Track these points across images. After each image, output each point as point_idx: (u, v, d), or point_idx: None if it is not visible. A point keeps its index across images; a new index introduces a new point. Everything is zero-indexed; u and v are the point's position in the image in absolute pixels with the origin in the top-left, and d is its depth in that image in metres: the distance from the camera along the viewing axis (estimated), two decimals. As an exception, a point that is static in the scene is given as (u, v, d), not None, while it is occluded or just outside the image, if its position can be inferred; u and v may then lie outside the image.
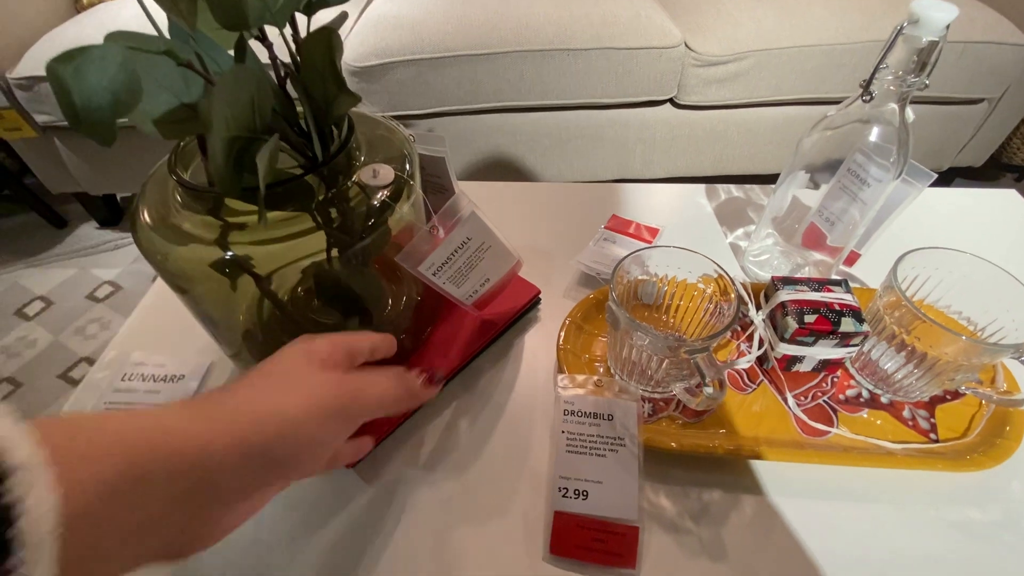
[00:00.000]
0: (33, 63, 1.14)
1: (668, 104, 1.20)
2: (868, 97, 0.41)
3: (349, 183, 0.34)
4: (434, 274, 0.37)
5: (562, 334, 0.46)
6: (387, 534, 0.37)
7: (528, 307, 0.50)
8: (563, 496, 0.36)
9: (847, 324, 0.39)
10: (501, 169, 1.28)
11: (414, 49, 1.06)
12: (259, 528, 0.37)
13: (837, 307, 0.40)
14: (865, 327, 0.39)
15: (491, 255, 0.39)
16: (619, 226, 0.58)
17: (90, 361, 1.17)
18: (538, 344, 0.48)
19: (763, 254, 0.55)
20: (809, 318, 0.40)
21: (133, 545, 0.18)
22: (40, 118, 1.20)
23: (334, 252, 0.35)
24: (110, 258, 1.41)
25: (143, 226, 0.34)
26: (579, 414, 0.39)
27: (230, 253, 0.33)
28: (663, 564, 0.35)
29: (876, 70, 0.39)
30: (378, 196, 0.34)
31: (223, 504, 0.21)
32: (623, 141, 1.23)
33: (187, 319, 0.41)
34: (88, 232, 1.50)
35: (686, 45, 1.10)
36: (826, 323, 0.40)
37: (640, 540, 0.36)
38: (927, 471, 0.38)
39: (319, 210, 0.33)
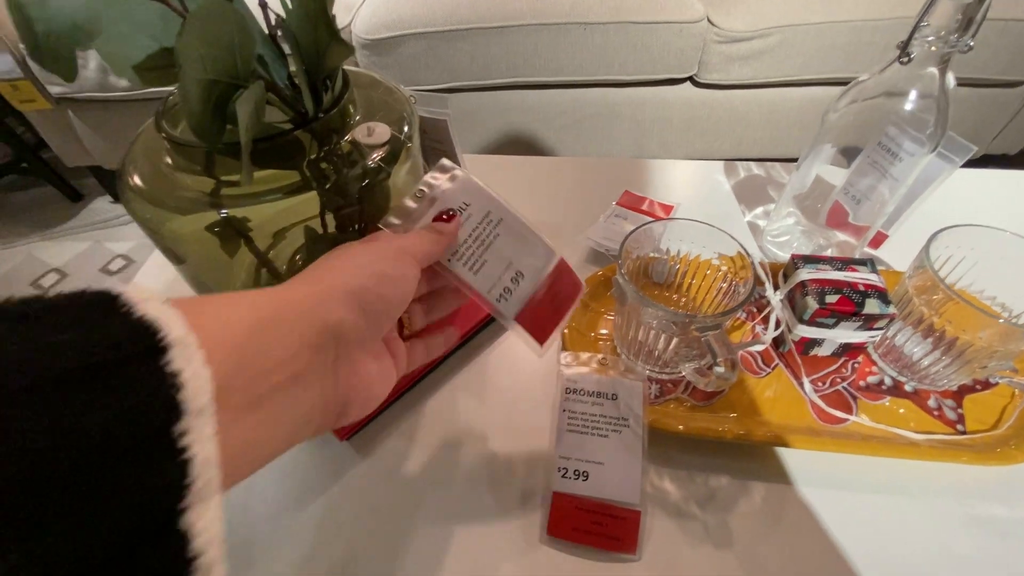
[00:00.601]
0: (46, 33, 1.13)
1: (688, 83, 1.15)
2: (906, 59, 0.37)
3: (343, 142, 0.32)
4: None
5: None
6: (379, 508, 0.36)
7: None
8: (563, 476, 0.35)
9: (872, 306, 0.37)
10: (513, 148, 1.26)
11: (426, 21, 1.03)
12: (250, 495, 0.37)
13: (861, 287, 0.38)
14: (891, 309, 0.37)
15: (507, 233, 0.31)
16: (632, 202, 0.55)
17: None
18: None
19: (783, 234, 0.52)
20: (831, 298, 0.37)
21: (288, 396, 0.19)
22: (54, 90, 1.20)
23: (329, 216, 0.34)
24: (123, 232, 1.42)
25: (133, 189, 0.33)
26: (581, 393, 0.37)
27: (223, 212, 0.31)
28: (664, 550, 0.34)
29: (915, 29, 0.36)
30: (373, 156, 0.33)
31: (350, 348, 0.22)
32: (639, 121, 1.19)
33: (185, 289, 0.40)
34: (102, 206, 1.51)
35: (708, 20, 1.06)
36: (849, 304, 0.37)
37: (641, 524, 0.34)
38: (953, 464, 0.35)
39: (311, 169, 0.31)
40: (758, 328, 0.44)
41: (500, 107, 1.18)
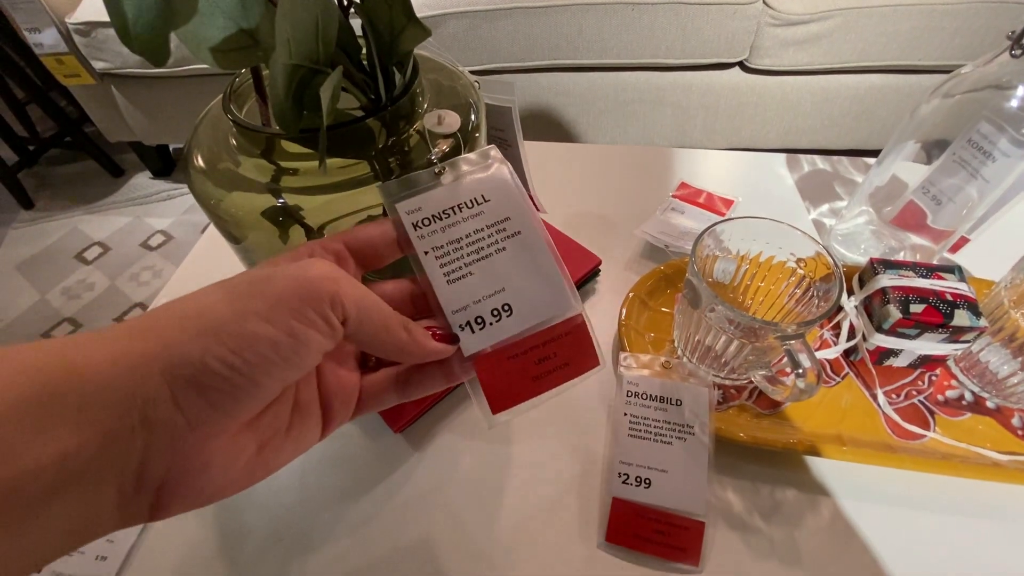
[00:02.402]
0: (91, 8, 1.14)
1: (737, 68, 1.10)
2: (1019, 51, 0.34)
3: (411, 130, 0.31)
4: (415, 226, 0.22)
5: (624, 309, 0.42)
6: (432, 502, 0.36)
7: (586, 278, 0.46)
8: (623, 483, 0.34)
9: (961, 317, 0.34)
10: (550, 132, 1.23)
11: (468, 0, 1.01)
12: (305, 488, 0.37)
13: (949, 297, 0.35)
14: (982, 322, 0.34)
15: (518, 251, 0.23)
16: (689, 195, 0.53)
17: (143, 307, 1.21)
18: (596, 318, 0.45)
19: (852, 234, 0.50)
20: (915, 308, 0.35)
21: (56, 505, 0.14)
22: (98, 65, 1.21)
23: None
24: (163, 208, 1.45)
25: (196, 169, 0.32)
26: (643, 396, 0.36)
27: (282, 200, 0.31)
28: (728, 563, 0.32)
29: (1035, 17, 0.33)
30: (441, 146, 0.31)
31: (170, 433, 0.16)
32: (684, 107, 1.15)
33: (236, 270, 0.40)
34: (143, 182, 1.54)
35: (764, 2, 1.00)
36: (936, 315, 0.35)
37: (705, 535, 0.33)
38: (1042, 489, 0.33)
39: (378, 159, 0.30)
40: (827, 335, 0.41)
41: (539, 89, 1.15)
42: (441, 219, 0.23)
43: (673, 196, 0.53)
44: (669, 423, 0.35)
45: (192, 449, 0.17)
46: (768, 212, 0.51)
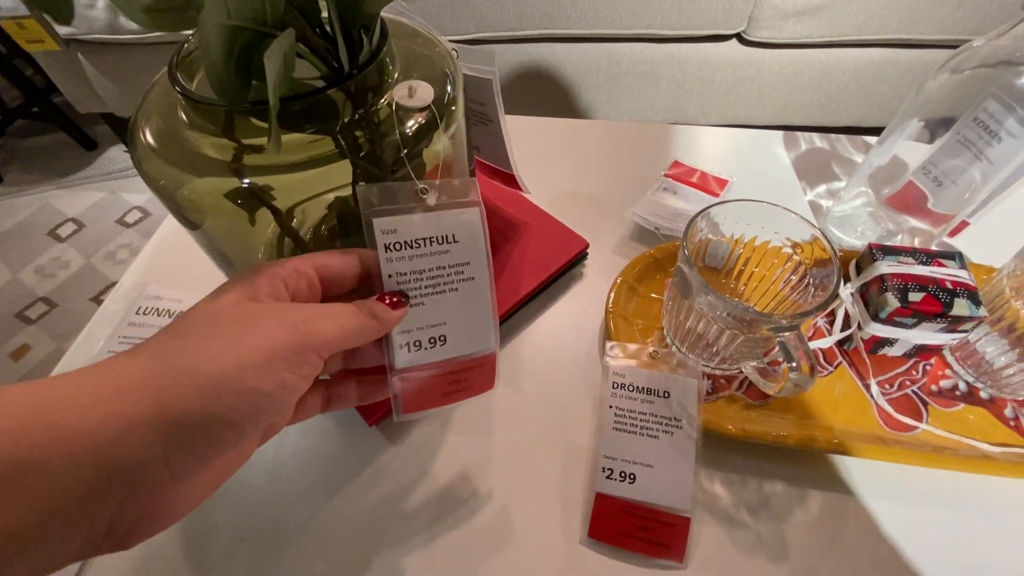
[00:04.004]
0: (51, -32, 1.07)
1: (734, 40, 1.06)
2: (1036, 22, 0.32)
3: (380, 102, 0.28)
4: (387, 248, 0.25)
5: (612, 295, 0.40)
6: (408, 498, 0.34)
7: (573, 262, 0.44)
8: (607, 477, 0.33)
9: (961, 307, 0.33)
10: (540, 106, 1.19)
11: (454, -37, 0.95)
12: (276, 483, 0.35)
13: (949, 285, 0.34)
14: (982, 311, 0.33)
15: (467, 295, 0.26)
16: (682, 175, 0.51)
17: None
18: (583, 304, 0.43)
19: (848, 216, 0.48)
20: (915, 296, 0.34)
21: (39, 545, 0.15)
22: (63, 30, 1.15)
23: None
24: (139, 183, 1.39)
25: (144, 148, 0.29)
26: (630, 388, 0.35)
27: (246, 181, 0.28)
28: (714, 559, 0.32)
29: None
30: (413, 121, 0.29)
31: (152, 489, 0.17)
32: (679, 81, 1.11)
33: (201, 258, 0.37)
34: (117, 155, 1.48)
35: (763, -31, 0.96)
36: (935, 304, 0.33)
37: (690, 531, 0.32)
38: (1034, 482, 0.33)
39: (344, 134, 0.28)
40: (821, 322, 0.40)
41: (528, 61, 1.11)
42: (412, 248, 0.25)
43: (665, 175, 0.51)
44: (656, 416, 0.34)
45: (166, 496, 0.18)
46: (763, 193, 0.49)
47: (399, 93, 0.29)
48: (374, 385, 0.26)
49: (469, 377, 0.28)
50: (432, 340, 0.26)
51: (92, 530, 0.16)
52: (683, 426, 0.33)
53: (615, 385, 0.35)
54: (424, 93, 0.29)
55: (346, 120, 0.28)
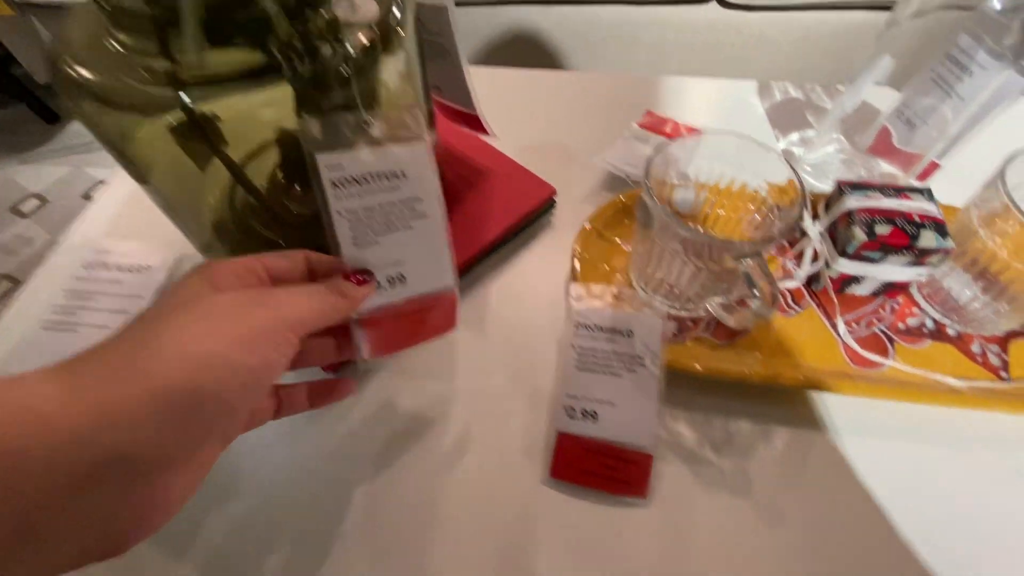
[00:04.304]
0: (-1, -76, 1.01)
1: (714, 3, 1.04)
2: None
3: (321, 15, 0.26)
4: (335, 184, 0.24)
5: (579, 240, 0.39)
6: (370, 443, 0.33)
7: (541, 211, 0.43)
8: (569, 417, 0.32)
9: (927, 238, 0.33)
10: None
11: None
12: (229, 432, 0.34)
13: (917, 218, 0.33)
14: (949, 243, 0.32)
15: (421, 232, 0.26)
16: (654, 124, 0.49)
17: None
18: (551, 254, 0.42)
19: (821, 164, 0.47)
20: (881, 229, 0.33)
21: (24, 546, 0.15)
22: (14, -7, 1.09)
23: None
24: (105, 156, 1.35)
25: (74, 83, 0.27)
26: (593, 328, 0.34)
27: (186, 99, 0.26)
28: (677, 495, 0.31)
29: None
30: (356, 39, 0.27)
31: (146, 476, 0.17)
32: (659, 44, 1.09)
33: (158, 218, 0.36)
34: (80, 128, 1.42)
35: (744, -74, 0.94)
36: (902, 236, 0.33)
37: (653, 468, 0.31)
38: (995, 412, 0.32)
39: (280, 51, 0.26)
40: (789, 264, 0.39)
41: (506, 24, 1.08)
42: (359, 184, 0.25)
43: (637, 124, 0.50)
44: (619, 355, 0.33)
45: (159, 486, 0.17)
46: (735, 139, 0.47)
47: (340, 7, 0.27)
48: (324, 391, 0.27)
49: (431, 317, 0.28)
50: (391, 279, 0.26)
51: (84, 529, 0.15)
52: (646, 364, 0.33)
53: (578, 325, 0.34)
54: (368, 10, 0.27)
55: (281, 34, 0.26)
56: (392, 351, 0.27)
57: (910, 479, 0.32)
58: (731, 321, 0.31)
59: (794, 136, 0.50)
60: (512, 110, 0.53)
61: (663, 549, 0.29)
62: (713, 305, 0.33)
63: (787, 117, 0.52)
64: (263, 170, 0.40)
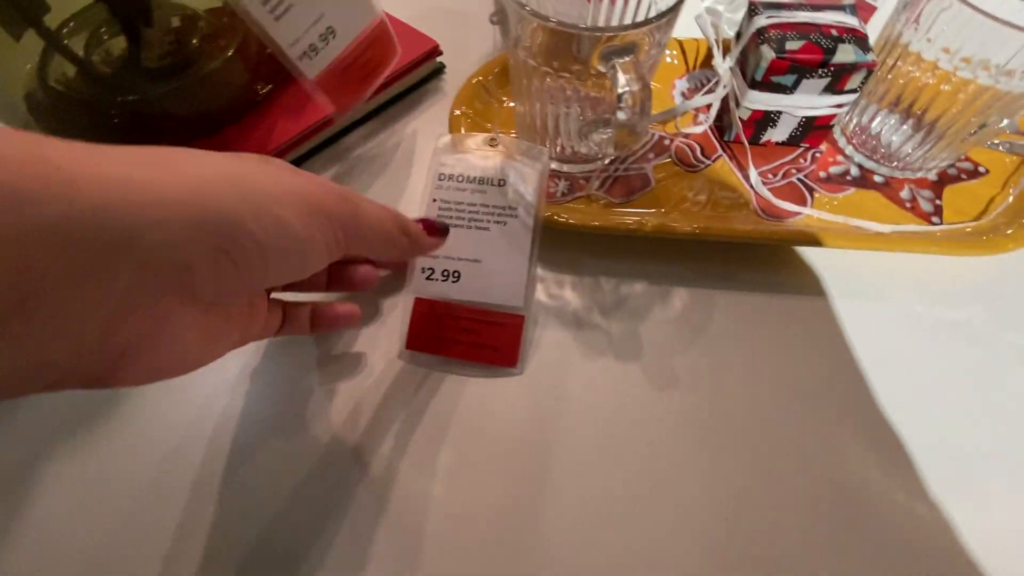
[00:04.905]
0: None
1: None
2: None
3: None
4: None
5: (462, 92, 0.34)
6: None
7: (424, 72, 0.37)
8: (427, 279, 0.27)
9: (845, 52, 0.27)
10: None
11: None
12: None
13: (834, 32, 0.28)
14: (871, 56, 0.27)
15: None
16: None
17: None
18: (438, 123, 0.36)
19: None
20: (792, 45, 0.28)
21: (7, 323, 0.11)
22: None
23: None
24: None
25: None
26: (459, 179, 0.28)
27: None
28: (555, 362, 0.27)
29: None
30: None
31: (164, 285, 0.14)
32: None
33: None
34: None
35: None
36: (816, 51, 0.28)
37: (529, 335, 0.27)
38: (924, 255, 0.28)
39: None
40: (701, 117, 0.34)
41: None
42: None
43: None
44: (487, 207, 0.28)
45: (173, 317, 0.15)
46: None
47: None
48: (326, 318, 0.25)
49: (375, 55, 0.29)
50: (323, 37, 0.26)
51: (83, 325, 0.13)
52: (519, 214, 0.27)
53: (441, 177, 0.28)
54: None
55: None
56: (355, 100, 0.29)
57: (827, 335, 0.28)
58: (600, 146, 0.26)
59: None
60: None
61: (538, 419, 0.25)
62: (589, 143, 0.27)
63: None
64: (81, 37, 0.33)
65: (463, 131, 0.32)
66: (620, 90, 0.22)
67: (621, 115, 0.23)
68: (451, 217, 0.28)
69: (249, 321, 0.20)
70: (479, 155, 0.29)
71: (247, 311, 0.20)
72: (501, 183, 0.28)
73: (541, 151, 0.28)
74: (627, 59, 0.23)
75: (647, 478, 0.24)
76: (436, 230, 0.24)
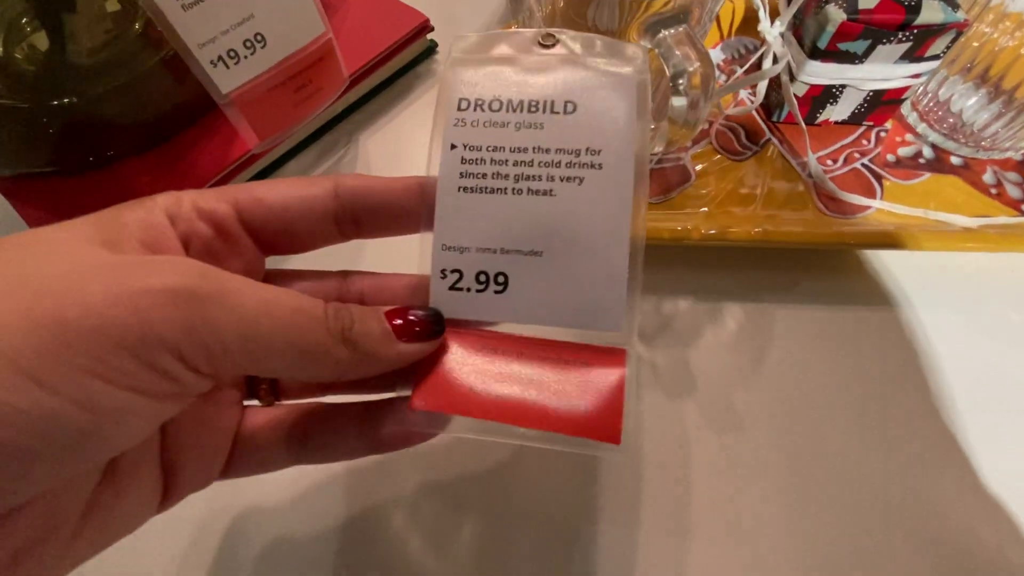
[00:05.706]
0: None
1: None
2: None
3: None
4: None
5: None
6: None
7: (413, 52, 0.28)
8: (452, 289, 0.15)
9: (932, 10, 0.23)
10: None
11: None
12: None
13: (914, -13, 0.24)
14: (961, 15, 0.23)
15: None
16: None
17: None
18: (430, 113, 0.26)
19: None
20: (866, 2, 0.23)
21: None
22: None
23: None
24: None
25: None
26: (493, 106, 0.16)
27: None
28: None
29: None
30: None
31: None
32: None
33: None
34: None
35: None
36: (896, 9, 0.23)
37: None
38: (1015, 253, 0.25)
39: None
40: (744, 95, 0.28)
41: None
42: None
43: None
44: (547, 152, 0.16)
45: None
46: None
47: None
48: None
49: (313, 79, 0.23)
50: (248, 44, 0.20)
51: None
52: (606, 162, 0.16)
53: (462, 106, 0.16)
54: None
55: None
56: (280, 130, 0.23)
57: (908, 346, 0.22)
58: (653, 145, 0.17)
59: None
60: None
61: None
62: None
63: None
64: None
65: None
66: (674, 69, 0.14)
67: (678, 101, 0.14)
68: (484, 176, 0.16)
69: (120, 495, 0.12)
70: (527, 64, 0.17)
71: (85, 497, 0.11)
72: (570, 108, 0.17)
73: (635, 52, 0.17)
74: (680, 29, 0.15)
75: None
76: (421, 331, 0.13)
